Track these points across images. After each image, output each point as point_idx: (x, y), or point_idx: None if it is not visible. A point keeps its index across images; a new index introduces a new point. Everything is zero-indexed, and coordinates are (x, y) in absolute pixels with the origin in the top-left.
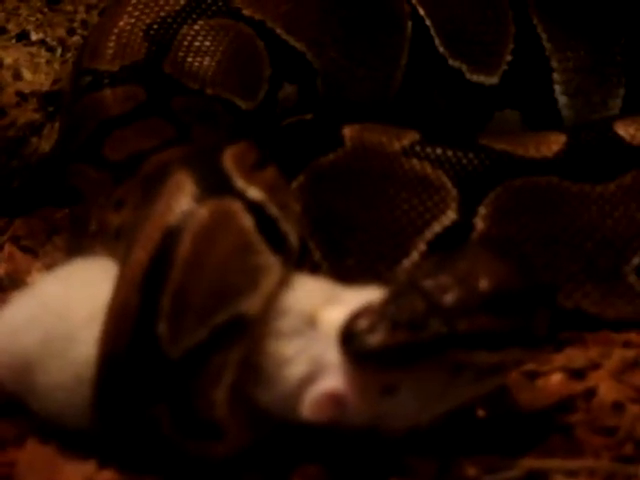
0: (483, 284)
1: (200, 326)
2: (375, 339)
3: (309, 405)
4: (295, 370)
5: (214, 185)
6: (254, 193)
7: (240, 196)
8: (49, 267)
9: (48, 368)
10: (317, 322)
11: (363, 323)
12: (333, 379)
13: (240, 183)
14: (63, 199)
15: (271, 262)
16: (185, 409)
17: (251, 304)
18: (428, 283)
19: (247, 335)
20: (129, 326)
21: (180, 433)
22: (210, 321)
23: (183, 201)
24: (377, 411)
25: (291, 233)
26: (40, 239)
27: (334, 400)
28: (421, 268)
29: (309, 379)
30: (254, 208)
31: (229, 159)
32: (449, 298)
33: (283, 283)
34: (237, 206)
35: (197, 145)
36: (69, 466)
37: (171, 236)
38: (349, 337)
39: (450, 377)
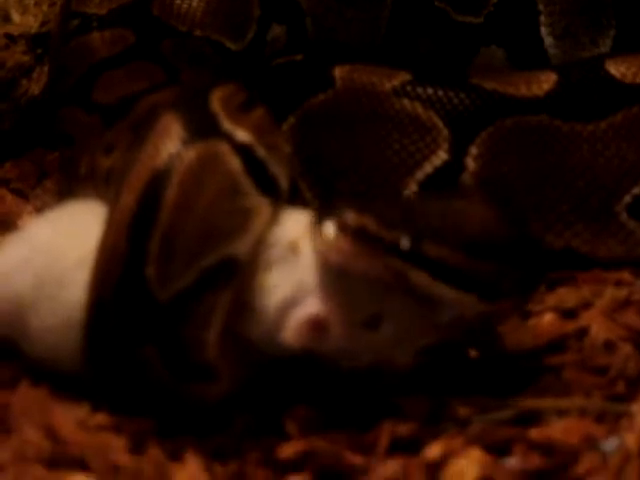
0: (466, 224)
1: (189, 269)
2: (342, 215)
3: (290, 330)
4: (277, 297)
5: (201, 128)
6: (242, 135)
7: (227, 138)
8: (40, 210)
9: (40, 311)
10: (299, 250)
11: (337, 206)
12: (314, 304)
13: (227, 125)
14: (53, 142)
15: (260, 204)
16: (175, 351)
17: (240, 246)
18: (410, 206)
19: (237, 277)
20: (118, 269)
21: (171, 376)
22: (199, 264)
23: (170, 144)
24: (356, 340)
25: (280, 174)
26: (30, 182)
27: (315, 325)
28: (415, 195)
29: (291, 305)
30: (242, 150)
31: (216, 101)
32: (427, 223)
33: (272, 224)
34: (225, 148)
35: (185, 88)
36: (62, 409)
37: (158, 179)
38: (320, 214)
39: (422, 309)
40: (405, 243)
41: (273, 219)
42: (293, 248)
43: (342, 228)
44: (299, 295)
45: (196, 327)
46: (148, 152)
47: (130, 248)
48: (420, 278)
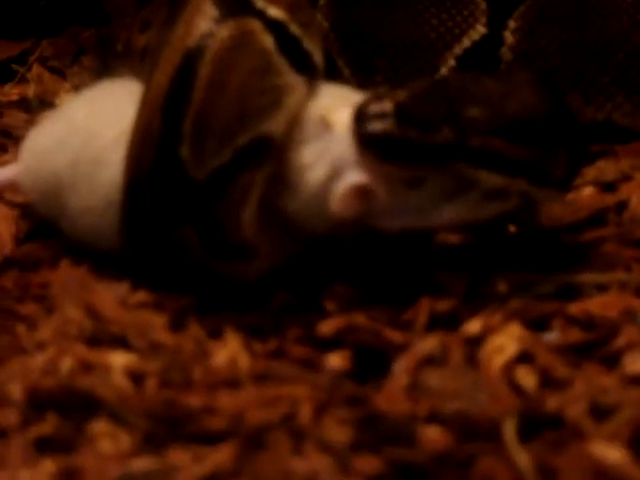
0: (510, 108)
1: (224, 147)
2: (381, 125)
3: (337, 200)
4: (317, 173)
5: (233, 6)
6: (274, 12)
7: (260, 15)
8: (77, 88)
9: (78, 190)
10: (331, 124)
11: (376, 107)
12: (357, 174)
13: (260, 2)
14: (90, 19)
15: (294, 81)
16: (212, 231)
17: (275, 124)
18: (456, 91)
19: (272, 155)
20: (152, 149)
21: (209, 255)
22: (234, 142)
23: (202, 23)
24: (401, 201)
25: (315, 51)
26: (67, 60)
27: (361, 192)
28: (454, 76)
29: (332, 179)
30: (275, 27)
31: None
32: (471, 111)
33: (307, 100)
34: (257, 26)
35: None
36: (102, 287)
37: (191, 59)
38: (359, 117)
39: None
40: (451, 141)
41: (308, 96)
42: (326, 122)
43: (384, 144)
44: (338, 169)
45: (232, 206)
46: (180, 31)
47: (164, 128)
48: (469, 170)
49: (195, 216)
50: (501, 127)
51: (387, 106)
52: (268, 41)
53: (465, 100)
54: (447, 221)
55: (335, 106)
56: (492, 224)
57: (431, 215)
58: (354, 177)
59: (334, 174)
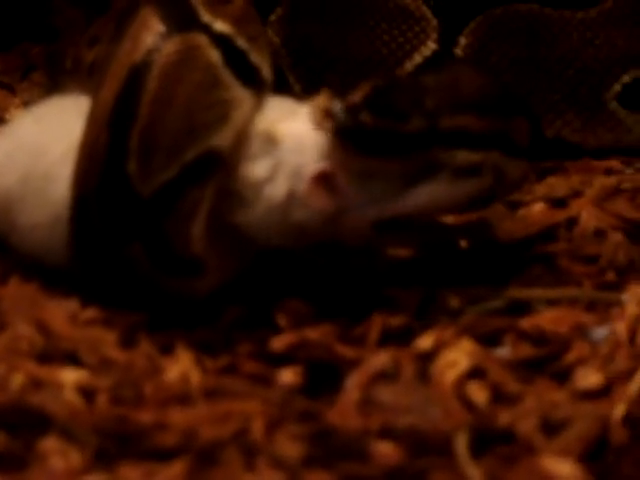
0: (466, 88)
1: (171, 162)
2: (357, 118)
3: (307, 190)
4: (276, 186)
5: (179, 20)
6: (221, 26)
7: (206, 30)
8: (27, 104)
9: (27, 206)
10: (278, 137)
11: (350, 100)
12: (319, 165)
13: (206, 16)
14: (40, 35)
15: (241, 95)
16: (160, 246)
17: (222, 138)
18: (409, 84)
19: (220, 169)
20: (99, 165)
21: (158, 271)
22: (180, 157)
23: (148, 38)
24: (368, 193)
25: (262, 65)
26: (17, 75)
27: (325, 178)
28: (401, 76)
29: (293, 190)
30: (221, 41)
31: None
32: (433, 98)
33: (255, 114)
34: (203, 40)
35: None
36: (53, 303)
37: (137, 74)
38: (333, 113)
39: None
40: (424, 127)
41: (256, 110)
42: (272, 136)
43: (360, 136)
44: (299, 177)
45: (180, 221)
46: (127, 46)
47: (110, 143)
48: (445, 154)
49: (143, 232)
50: (464, 105)
51: (357, 100)
52: (214, 55)
53: (421, 90)
54: (422, 204)
55: (280, 119)
56: (466, 209)
57: (404, 199)
58: (317, 167)
59: (295, 184)
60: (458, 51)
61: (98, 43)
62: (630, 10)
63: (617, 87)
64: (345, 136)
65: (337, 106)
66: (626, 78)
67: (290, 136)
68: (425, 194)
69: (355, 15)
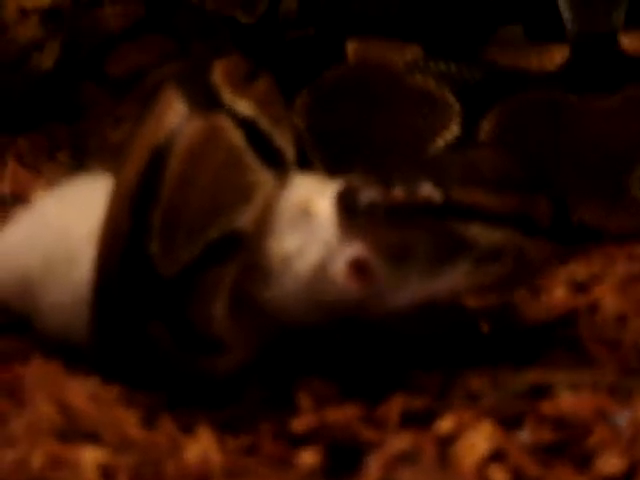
0: (485, 166)
1: (192, 243)
2: (368, 195)
3: (342, 275)
4: (306, 261)
5: (202, 102)
6: (244, 108)
7: (229, 111)
8: (52, 184)
9: (50, 287)
10: (311, 213)
11: (358, 182)
12: (355, 249)
13: (229, 98)
14: (66, 115)
15: (264, 177)
16: (182, 326)
17: (244, 219)
18: (428, 162)
19: (242, 249)
20: (121, 245)
21: (180, 350)
22: (202, 238)
23: (171, 119)
24: (400, 278)
25: (286, 146)
26: (43, 156)
27: (361, 265)
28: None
29: (323, 266)
30: (244, 123)
31: (219, 74)
32: (448, 171)
33: (279, 193)
34: (226, 122)
35: (189, 61)
36: (74, 382)
37: (159, 154)
38: (344, 195)
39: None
40: (436, 199)
41: (280, 188)
42: (307, 212)
43: (371, 209)
44: (328, 255)
45: (202, 301)
46: (150, 127)
47: (133, 223)
48: (459, 226)
49: (164, 312)
50: (480, 180)
51: (370, 180)
52: (237, 137)
53: (439, 166)
54: (447, 287)
55: (311, 195)
56: (490, 291)
57: (431, 282)
58: (351, 251)
59: (326, 260)
60: (481, 135)
61: (123, 123)
62: None
63: (639, 172)
64: (353, 215)
65: (344, 191)
66: None
67: (321, 212)
68: (450, 277)
69: (379, 99)
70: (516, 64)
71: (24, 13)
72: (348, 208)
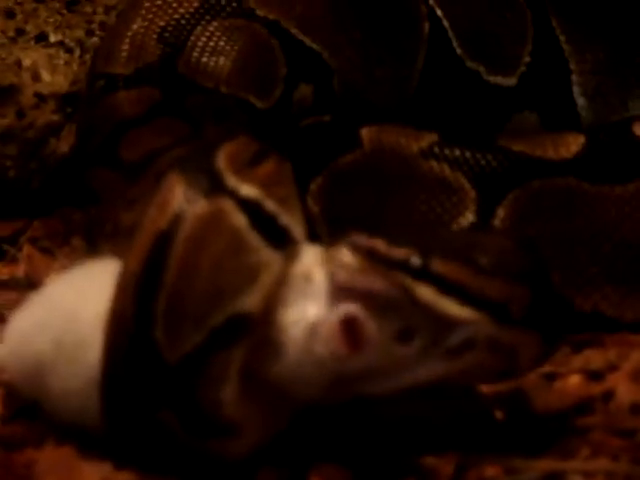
0: (480, 246)
1: (197, 329)
2: (353, 238)
3: (331, 334)
4: (302, 326)
5: (205, 186)
6: (247, 191)
7: (231, 194)
8: (66, 268)
9: (60, 373)
10: (312, 280)
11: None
12: (347, 307)
13: (232, 181)
14: (81, 200)
15: (269, 258)
16: (192, 411)
17: (250, 301)
18: (425, 231)
19: (249, 331)
20: (126, 334)
21: (191, 435)
22: (207, 323)
23: (174, 205)
24: (390, 354)
25: (294, 225)
26: (58, 240)
27: (351, 325)
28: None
29: (315, 328)
30: (247, 206)
31: (223, 157)
32: (439, 243)
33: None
34: (229, 205)
35: (195, 144)
36: (87, 466)
37: (163, 241)
38: (332, 239)
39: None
40: (414, 260)
41: (286, 266)
42: (306, 278)
43: (353, 249)
44: (320, 319)
45: (210, 386)
46: (153, 213)
47: (137, 309)
48: (428, 294)
49: (172, 399)
50: (467, 258)
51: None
52: (241, 220)
53: (441, 237)
54: (424, 379)
55: (316, 263)
56: (479, 410)
57: (413, 372)
58: (342, 309)
59: (319, 322)
60: (496, 222)
61: (135, 206)
62: None
63: None
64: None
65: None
66: None
67: (319, 277)
68: (430, 368)
69: (393, 185)
70: (532, 152)
71: (41, 98)
72: (333, 247)
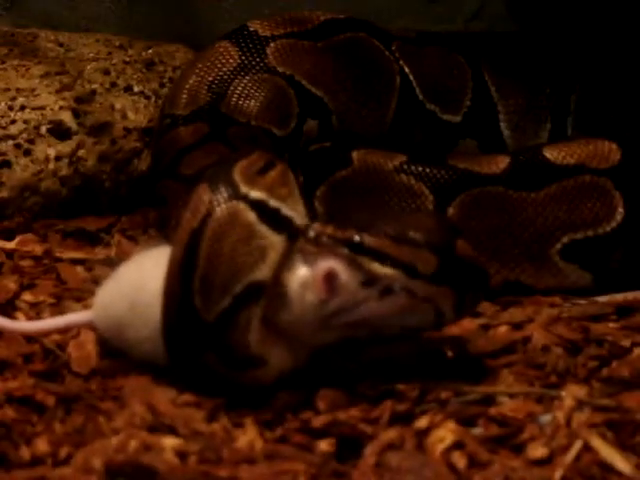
0: (414, 224)
1: (225, 296)
2: (314, 227)
3: (313, 282)
4: (295, 284)
5: (224, 194)
6: (256, 194)
7: (244, 199)
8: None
9: (135, 327)
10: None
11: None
12: (325, 262)
13: (244, 189)
14: (155, 203)
15: (274, 241)
16: (227, 352)
17: (262, 273)
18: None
19: (263, 294)
20: (176, 302)
21: (229, 368)
22: (232, 291)
23: (202, 209)
24: (360, 296)
25: (294, 216)
26: (139, 230)
27: (329, 276)
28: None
29: (305, 284)
30: (256, 205)
31: (238, 171)
32: (390, 224)
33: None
34: (242, 206)
35: (219, 162)
36: (159, 390)
37: (195, 236)
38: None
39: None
40: (353, 238)
41: (292, 244)
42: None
43: (317, 232)
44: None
45: (239, 334)
46: (187, 216)
47: (181, 286)
48: (366, 262)
49: (212, 345)
50: (400, 233)
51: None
52: (251, 216)
53: (388, 218)
54: (375, 314)
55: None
56: (438, 327)
57: (369, 309)
58: (325, 264)
59: (305, 283)
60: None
61: None
62: (567, 191)
63: (558, 246)
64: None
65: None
66: (565, 239)
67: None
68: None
69: (374, 192)
70: (472, 168)
71: (128, 131)
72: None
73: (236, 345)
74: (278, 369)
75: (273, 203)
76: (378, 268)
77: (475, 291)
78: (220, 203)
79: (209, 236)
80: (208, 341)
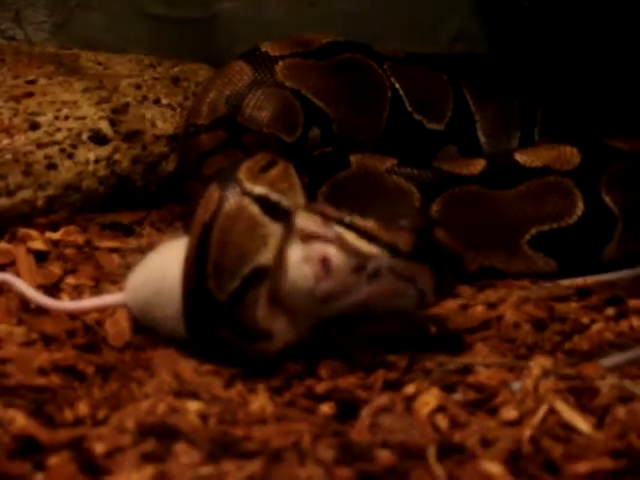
0: (400, 211)
1: (233, 279)
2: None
3: (311, 264)
4: (295, 263)
5: (231, 192)
6: (258, 190)
7: (248, 195)
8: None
9: (161, 307)
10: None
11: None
12: (321, 247)
13: (248, 185)
14: (180, 200)
15: (275, 229)
16: (240, 327)
17: (265, 258)
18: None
19: (268, 276)
20: (192, 285)
21: (242, 341)
22: (240, 274)
23: (212, 206)
24: (351, 280)
25: (293, 206)
26: (167, 223)
27: (323, 260)
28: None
29: (302, 263)
30: (259, 199)
31: (243, 170)
32: (381, 210)
33: (291, 237)
34: (246, 201)
35: (228, 164)
36: (183, 361)
37: (207, 229)
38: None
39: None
40: (344, 218)
41: (290, 235)
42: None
43: (312, 211)
44: (306, 257)
45: (248, 311)
46: (200, 212)
47: (196, 272)
48: (351, 237)
49: (226, 322)
50: (386, 217)
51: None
52: (255, 210)
53: (382, 205)
54: (364, 297)
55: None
56: (424, 307)
57: (358, 292)
58: (322, 249)
59: (302, 262)
60: (431, 213)
61: None
62: (535, 190)
63: (527, 237)
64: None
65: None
66: (533, 231)
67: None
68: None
69: (369, 191)
70: (453, 170)
71: (157, 137)
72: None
73: (246, 321)
74: (283, 341)
75: (274, 196)
76: (365, 246)
77: (452, 274)
78: (228, 199)
79: (219, 228)
80: (222, 318)
